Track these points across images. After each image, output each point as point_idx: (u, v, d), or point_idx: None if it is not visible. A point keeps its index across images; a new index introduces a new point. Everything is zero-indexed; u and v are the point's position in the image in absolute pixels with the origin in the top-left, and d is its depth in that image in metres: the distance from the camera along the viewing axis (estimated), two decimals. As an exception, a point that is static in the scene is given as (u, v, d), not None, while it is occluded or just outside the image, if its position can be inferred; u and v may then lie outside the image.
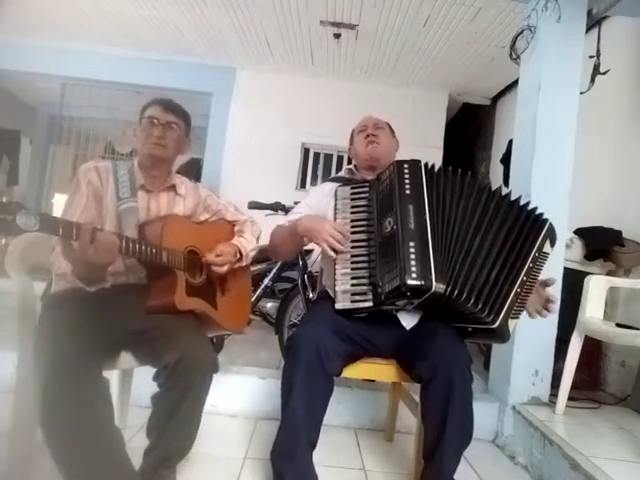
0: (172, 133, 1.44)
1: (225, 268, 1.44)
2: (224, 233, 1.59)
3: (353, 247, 1.38)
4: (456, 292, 1.26)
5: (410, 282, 1.21)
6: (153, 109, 1.44)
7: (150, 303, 1.30)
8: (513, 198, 1.40)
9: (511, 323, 1.34)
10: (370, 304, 1.32)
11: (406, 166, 1.36)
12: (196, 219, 1.55)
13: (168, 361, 1.15)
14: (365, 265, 1.35)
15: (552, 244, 1.42)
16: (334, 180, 1.70)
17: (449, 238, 1.31)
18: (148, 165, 1.45)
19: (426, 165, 1.38)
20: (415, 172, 1.35)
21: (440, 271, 1.25)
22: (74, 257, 1.14)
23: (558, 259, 2.02)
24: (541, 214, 1.41)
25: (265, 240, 1.66)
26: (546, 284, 1.41)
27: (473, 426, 1.31)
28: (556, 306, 1.41)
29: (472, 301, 1.27)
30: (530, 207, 1.40)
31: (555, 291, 1.97)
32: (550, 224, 1.40)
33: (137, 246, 1.21)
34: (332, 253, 1.36)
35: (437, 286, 1.23)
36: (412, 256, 1.24)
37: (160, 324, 1.27)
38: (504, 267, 1.32)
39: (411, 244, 1.25)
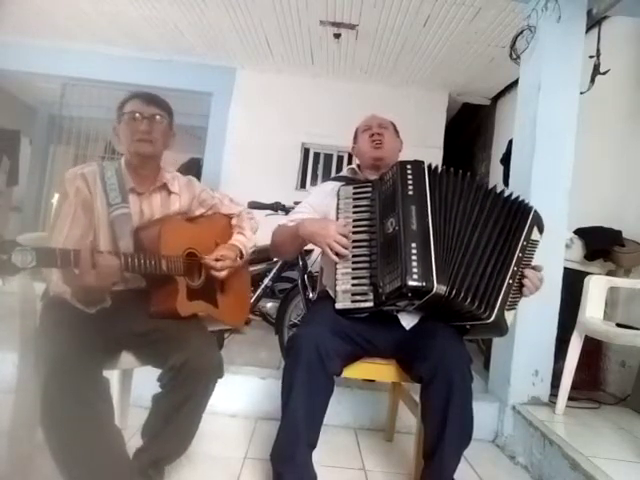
0: (158, 126, 1.36)
1: (225, 273, 1.41)
2: (221, 228, 1.57)
3: (354, 247, 1.37)
4: (454, 292, 1.26)
5: (411, 283, 1.21)
6: (133, 103, 1.35)
7: (152, 310, 1.29)
8: (506, 194, 1.41)
9: (509, 315, 1.34)
10: (371, 304, 1.32)
11: (409, 167, 1.36)
12: (191, 214, 1.52)
13: (174, 363, 1.15)
14: (366, 265, 1.35)
15: (540, 231, 1.43)
16: (336, 179, 1.70)
17: (450, 238, 1.32)
18: (136, 164, 1.38)
19: (429, 166, 1.37)
20: (418, 173, 1.35)
21: (441, 272, 1.25)
22: (75, 283, 1.11)
23: (558, 259, 2.02)
24: (526, 203, 1.42)
25: (265, 240, 1.66)
26: (535, 270, 1.40)
27: (473, 426, 1.31)
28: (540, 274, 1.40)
29: (469, 300, 1.27)
30: (515, 198, 1.41)
31: (554, 289, 2.00)
32: (535, 211, 1.41)
33: (136, 261, 1.18)
34: (335, 258, 1.35)
35: (438, 287, 1.23)
36: (414, 257, 1.24)
37: (165, 326, 1.26)
38: (497, 262, 1.33)
39: (413, 245, 1.25)
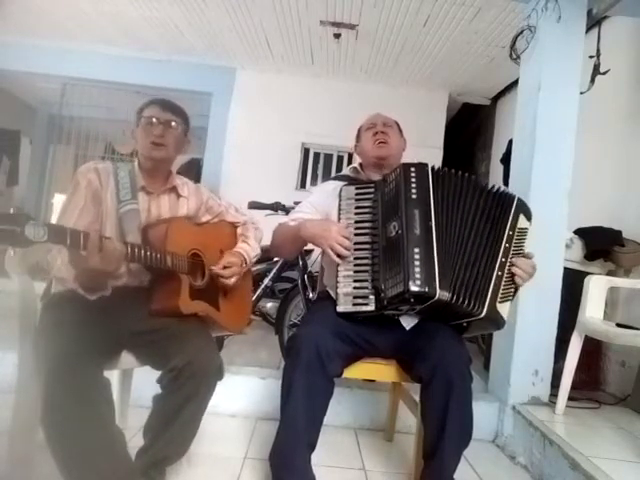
0: (172, 132, 1.42)
1: (233, 280, 1.44)
2: (226, 235, 1.60)
3: (356, 249, 1.36)
4: (455, 297, 1.26)
5: (414, 288, 1.21)
6: (151, 109, 1.41)
7: (154, 306, 1.30)
8: (495, 190, 1.39)
9: (503, 307, 1.33)
10: (372, 308, 1.31)
11: (413, 169, 1.34)
12: (198, 220, 1.55)
13: (175, 364, 1.15)
14: (368, 268, 1.34)
15: (528, 218, 1.41)
16: (338, 179, 1.68)
17: (451, 242, 1.31)
18: (148, 167, 1.44)
19: (433, 169, 1.36)
20: (422, 176, 1.33)
21: (443, 277, 1.24)
22: (80, 265, 1.13)
23: (558, 259, 2.02)
24: (508, 193, 1.40)
25: (266, 240, 1.66)
26: (527, 257, 1.39)
27: (473, 426, 1.31)
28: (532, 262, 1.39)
29: (466, 302, 1.27)
30: (500, 190, 1.39)
31: (554, 290, 2.00)
32: (518, 199, 1.40)
33: (142, 252, 1.20)
34: (337, 259, 1.35)
35: (441, 293, 1.22)
36: (417, 262, 1.23)
37: (165, 326, 1.27)
38: (487, 257, 1.32)
39: (416, 250, 1.24)
